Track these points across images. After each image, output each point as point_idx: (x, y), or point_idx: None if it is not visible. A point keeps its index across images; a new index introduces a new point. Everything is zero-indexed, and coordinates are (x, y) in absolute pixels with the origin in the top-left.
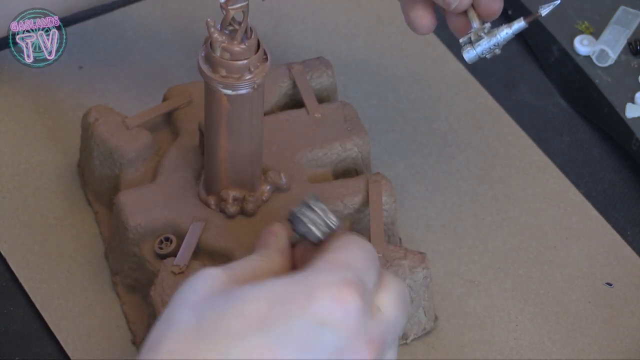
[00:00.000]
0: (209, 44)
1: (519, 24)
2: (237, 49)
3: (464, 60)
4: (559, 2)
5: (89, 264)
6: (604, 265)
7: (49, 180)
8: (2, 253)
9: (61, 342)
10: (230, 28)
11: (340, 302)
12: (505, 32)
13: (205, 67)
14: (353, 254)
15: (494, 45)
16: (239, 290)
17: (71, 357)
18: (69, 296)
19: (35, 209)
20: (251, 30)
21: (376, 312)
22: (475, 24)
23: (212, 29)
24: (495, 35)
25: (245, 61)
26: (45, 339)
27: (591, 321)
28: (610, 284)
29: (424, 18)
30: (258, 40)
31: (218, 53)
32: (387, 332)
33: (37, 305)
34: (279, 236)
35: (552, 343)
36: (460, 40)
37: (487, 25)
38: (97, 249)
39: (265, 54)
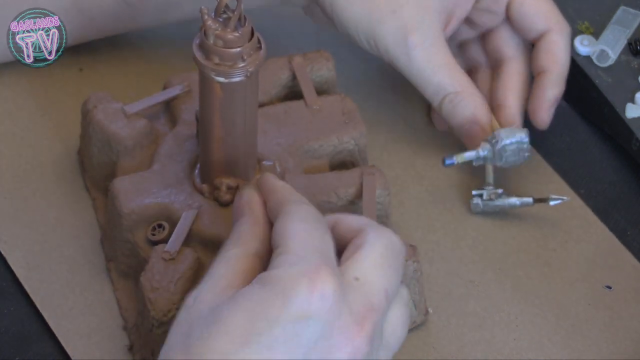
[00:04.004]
0: (203, 31)
1: (526, 201)
2: (230, 36)
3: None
4: (568, 199)
5: (89, 264)
6: (603, 269)
7: (49, 181)
8: (2, 253)
9: (61, 342)
10: (225, 16)
11: (314, 291)
12: (514, 203)
13: (199, 54)
14: (304, 236)
15: (499, 209)
16: (216, 310)
17: (71, 357)
18: (69, 296)
19: (35, 210)
20: (245, 18)
21: (353, 282)
22: (490, 179)
23: (206, 16)
24: (504, 201)
25: (238, 49)
26: (45, 339)
27: (591, 323)
28: (609, 287)
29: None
30: (252, 29)
31: (211, 40)
32: (371, 296)
33: (37, 305)
34: (252, 205)
35: (552, 344)
36: (473, 192)
37: (500, 190)
38: (96, 244)
39: (259, 42)
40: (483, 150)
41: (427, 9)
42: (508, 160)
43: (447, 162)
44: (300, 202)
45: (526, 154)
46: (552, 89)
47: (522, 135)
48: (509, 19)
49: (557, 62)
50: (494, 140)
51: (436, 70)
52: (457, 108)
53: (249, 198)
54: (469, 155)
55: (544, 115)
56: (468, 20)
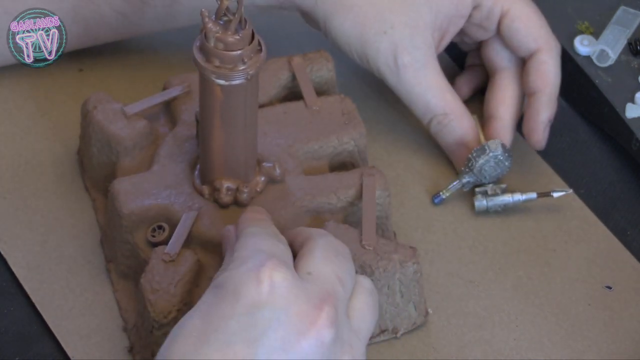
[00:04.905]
0: (204, 33)
1: (531, 196)
2: (230, 39)
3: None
4: (571, 191)
5: (89, 264)
6: (603, 269)
7: (49, 182)
8: (2, 253)
9: (61, 342)
10: (225, 18)
11: (263, 282)
12: (518, 198)
13: (199, 57)
14: (253, 243)
15: (503, 205)
16: (181, 320)
17: (71, 357)
18: (69, 296)
19: (35, 210)
20: (246, 21)
21: (306, 276)
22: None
23: (207, 19)
24: (509, 197)
25: (239, 52)
26: (45, 339)
27: (591, 323)
28: (609, 287)
29: None
30: (253, 31)
31: (212, 43)
32: (326, 284)
33: (37, 305)
34: (229, 236)
35: (552, 344)
36: (476, 189)
37: (504, 185)
38: (96, 244)
39: (259, 45)
40: (464, 178)
41: (418, 29)
42: (492, 175)
43: (436, 200)
44: (257, 226)
45: (506, 163)
46: (544, 111)
47: (494, 151)
48: (500, 35)
49: (547, 83)
50: (469, 164)
51: (425, 92)
52: (445, 129)
53: (227, 233)
54: (454, 186)
55: (539, 138)
56: (461, 33)
